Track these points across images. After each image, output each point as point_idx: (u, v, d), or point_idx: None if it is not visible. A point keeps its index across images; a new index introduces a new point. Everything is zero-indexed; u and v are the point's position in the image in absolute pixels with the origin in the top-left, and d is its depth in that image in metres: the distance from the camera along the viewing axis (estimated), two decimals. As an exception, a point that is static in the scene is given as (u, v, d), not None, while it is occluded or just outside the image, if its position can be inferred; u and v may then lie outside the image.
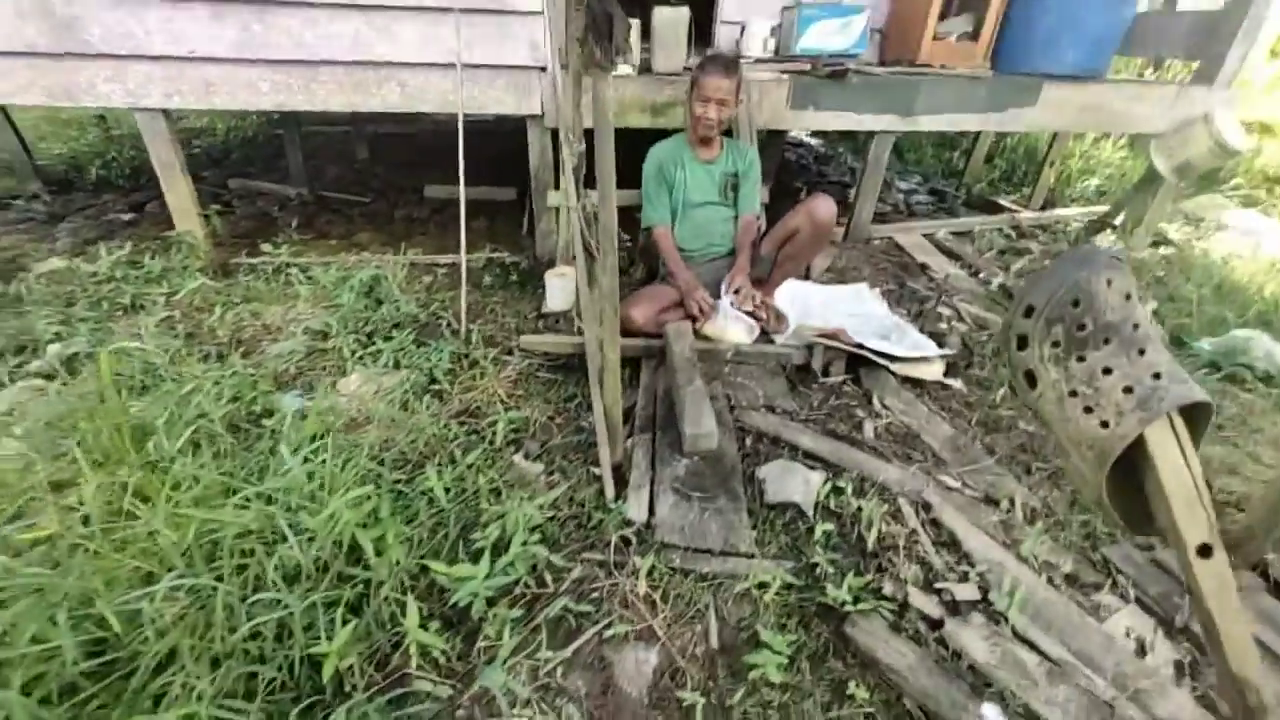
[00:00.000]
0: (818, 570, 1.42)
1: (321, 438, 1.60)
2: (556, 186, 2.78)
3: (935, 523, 1.59)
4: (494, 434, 1.74)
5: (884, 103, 2.95)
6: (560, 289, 2.44)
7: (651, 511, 1.54)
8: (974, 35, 3.33)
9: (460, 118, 2.23)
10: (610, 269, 1.41)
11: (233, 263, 2.67)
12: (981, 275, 3.05)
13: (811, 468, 1.72)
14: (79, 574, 1.00)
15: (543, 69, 2.50)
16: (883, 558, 1.48)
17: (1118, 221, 3.56)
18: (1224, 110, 3.00)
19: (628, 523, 1.51)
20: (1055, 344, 0.58)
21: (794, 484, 1.63)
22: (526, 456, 1.72)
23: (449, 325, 2.26)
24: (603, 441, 1.63)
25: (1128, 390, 0.57)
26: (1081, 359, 0.58)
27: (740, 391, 2.05)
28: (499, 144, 4.28)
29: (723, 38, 3.41)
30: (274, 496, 1.24)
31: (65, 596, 0.95)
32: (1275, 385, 2.21)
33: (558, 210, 2.76)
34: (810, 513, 1.59)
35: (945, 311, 2.64)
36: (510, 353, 2.17)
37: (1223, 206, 4.17)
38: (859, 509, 1.58)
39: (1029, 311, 0.59)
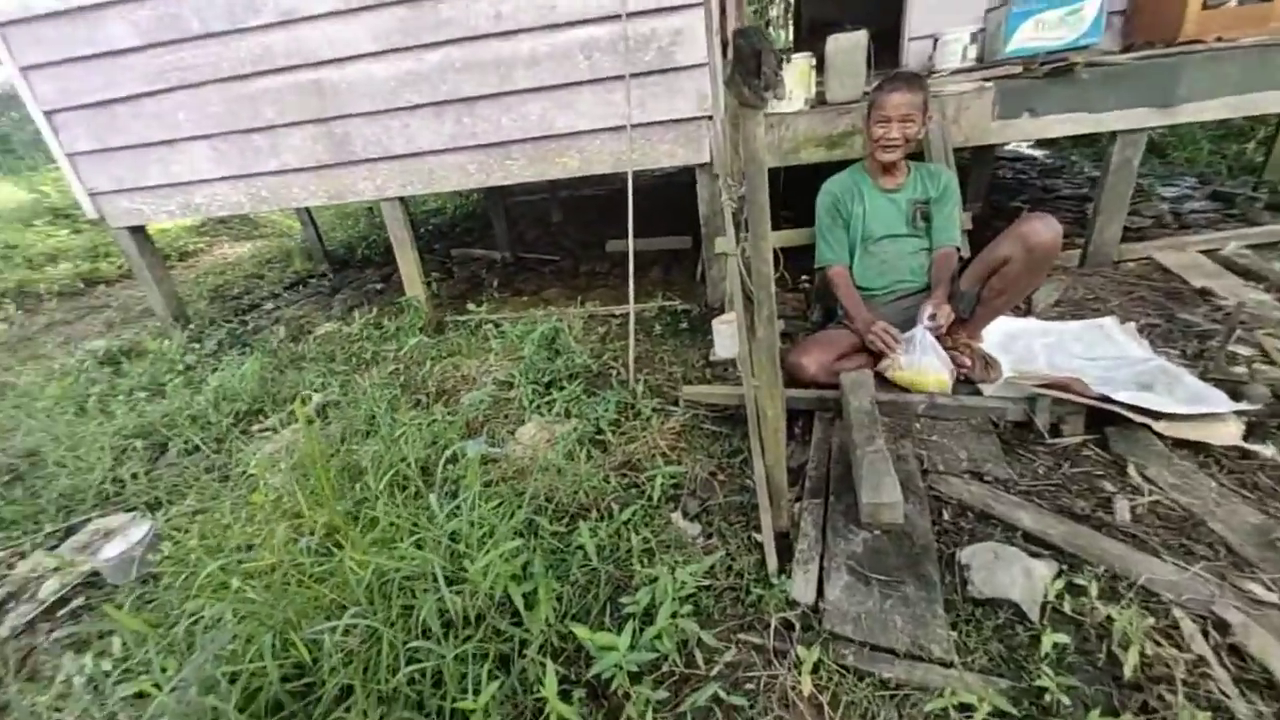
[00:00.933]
0: (1046, 698, 1.09)
1: (495, 485, 1.72)
2: (727, 232, 2.75)
3: (1236, 650, 1.13)
4: (652, 489, 1.69)
5: (1130, 96, 2.40)
6: (727, 336, 2.35)
7: (820, 593, 1.34)
8: (1268, -7, 2.58)
9: (630, 175, 2.32)
10: (767, 319, 1.30)
11: (446, 320, 3.09)
12: (1301, 300, 2.25)
13: (1035, 555, 1.36)
14: (291, 600, 1.16)
15: (709, 117, 2.51)
16: (1149, 693, 1.08)
17: None
18: None
19: (792, 603, 1.33)
20: None
21: (1010, 575, 1.30)
22: (685, 515, 1.64)
23: (618, 375, 2.31)
24: (764, 508, 1.48)
25: None
26: None
27: (937, 452, 1.73)
28: (679, 194, 4.42)
29: (913, 54, 3.14)
30: (443, 541, 1.32)
31: (274, 622, 1.10)
32: None
33: (727, 256, 2.70)
34: (1034, 616, 1.24)
35: (1242, 351, 1.99)
36: (675, 403, 2.13)
37: None
38: (1109, 618, 1.19)
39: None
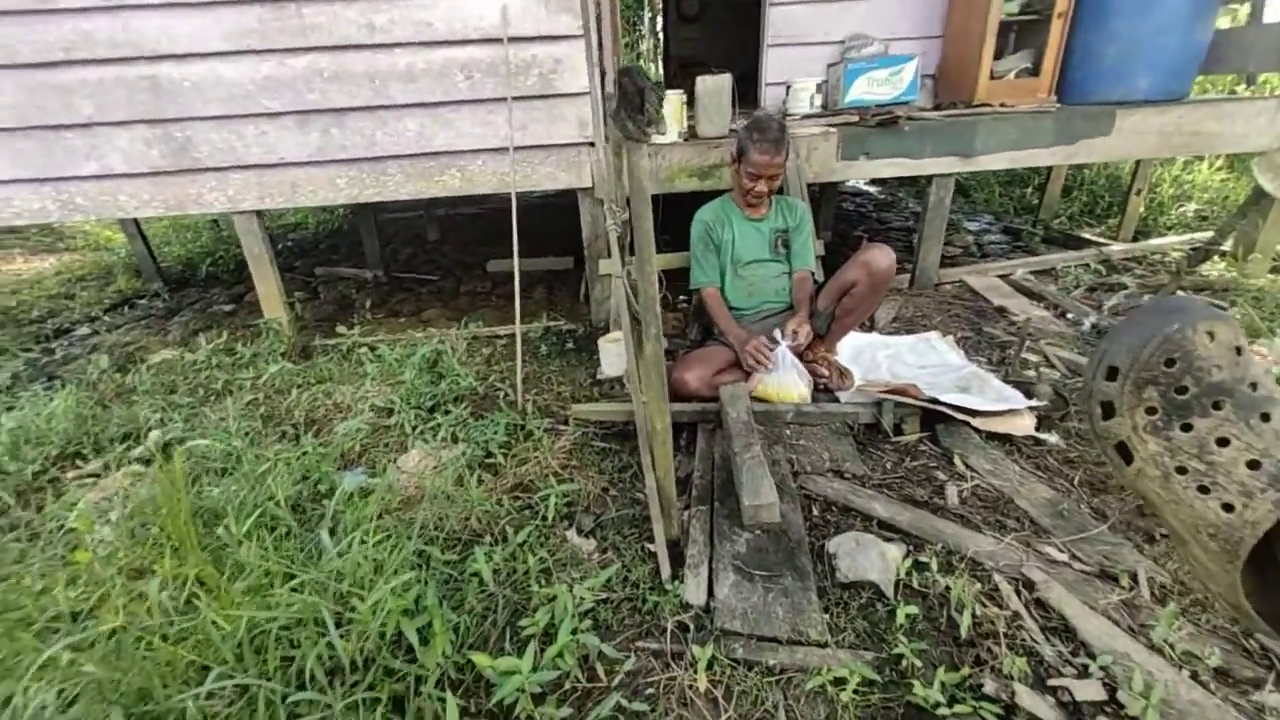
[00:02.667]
0: (903, 663, 1.25)
1: (379, 517, 1.62)
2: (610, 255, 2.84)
3: (1041, 604, 1.39)
4: (546, 509, 1.70)
5: (941, 146, 2.86)
6: (614, 354, 2.43)
7: (711, 593, 1.43)
8: (1035, 70, 3.21)
9: (514, 197, 2.34)
10: (654, 337, 1.38)
11: (313, 345, 2.86)
12: (1069, 316, 2.80)
13: (888, 539, 1.56)
14: (139, 669, 1.02)
15: (590, 144, 2.60)
16: (980, 647, 1.29)
17: (1226, 247, 3.21)
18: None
19: (685, 606, 1.40)
20: (1150, 410, 0.47)
21: (869, 559, 1.48)
22: (579, 531, 1.67)
23: (505, 397, 2.28)
24: (656, 518, 1.55)
25: (1253, 465, 0.45)
26: (1187, 427, 0.47)
27: (804, 455, 1.92)
28: (561, 216, 4.47)
29: (768, 98, 3.46)
30: (325, 583, 1.23)
31: (122, 693, 0.96)
32: None
33: (612, 277, 2.79)
34: (890, 593, 1.42)
35: (1031, 357, 2.42)
36: (565, 422, 2.15)
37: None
38: (947, 588, 1.40)
39: (1112, 374, 0.49)
